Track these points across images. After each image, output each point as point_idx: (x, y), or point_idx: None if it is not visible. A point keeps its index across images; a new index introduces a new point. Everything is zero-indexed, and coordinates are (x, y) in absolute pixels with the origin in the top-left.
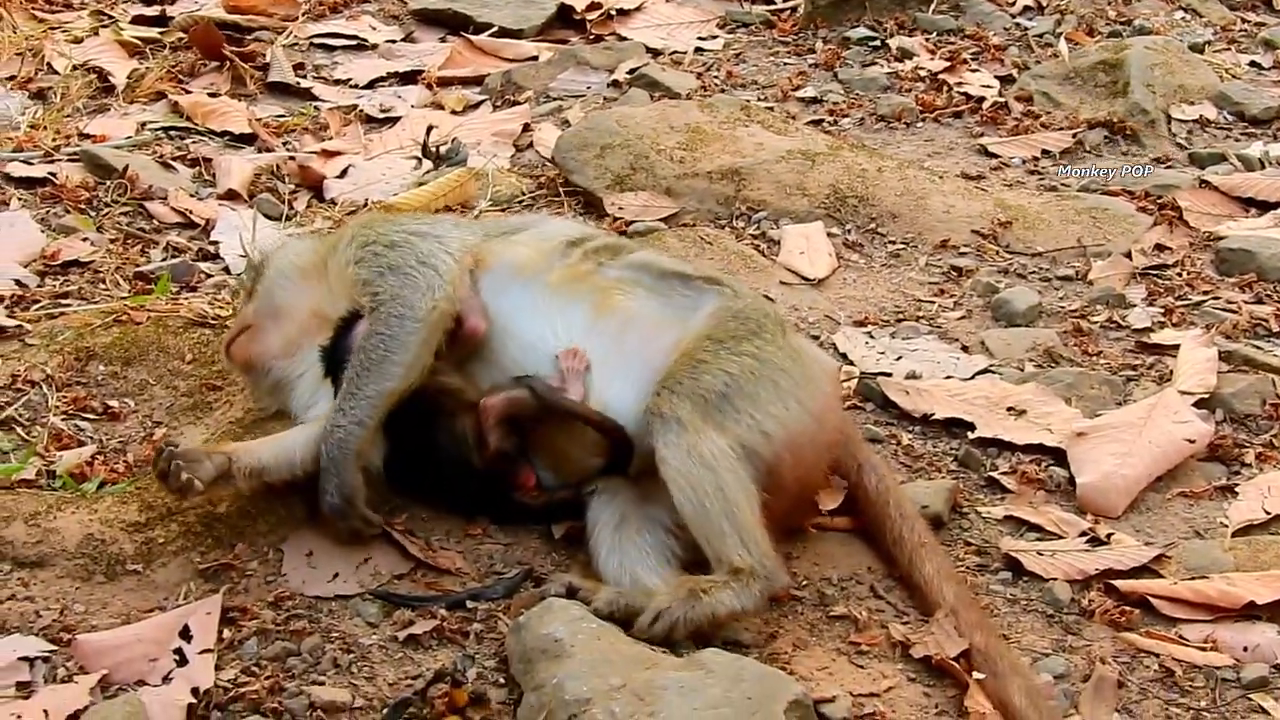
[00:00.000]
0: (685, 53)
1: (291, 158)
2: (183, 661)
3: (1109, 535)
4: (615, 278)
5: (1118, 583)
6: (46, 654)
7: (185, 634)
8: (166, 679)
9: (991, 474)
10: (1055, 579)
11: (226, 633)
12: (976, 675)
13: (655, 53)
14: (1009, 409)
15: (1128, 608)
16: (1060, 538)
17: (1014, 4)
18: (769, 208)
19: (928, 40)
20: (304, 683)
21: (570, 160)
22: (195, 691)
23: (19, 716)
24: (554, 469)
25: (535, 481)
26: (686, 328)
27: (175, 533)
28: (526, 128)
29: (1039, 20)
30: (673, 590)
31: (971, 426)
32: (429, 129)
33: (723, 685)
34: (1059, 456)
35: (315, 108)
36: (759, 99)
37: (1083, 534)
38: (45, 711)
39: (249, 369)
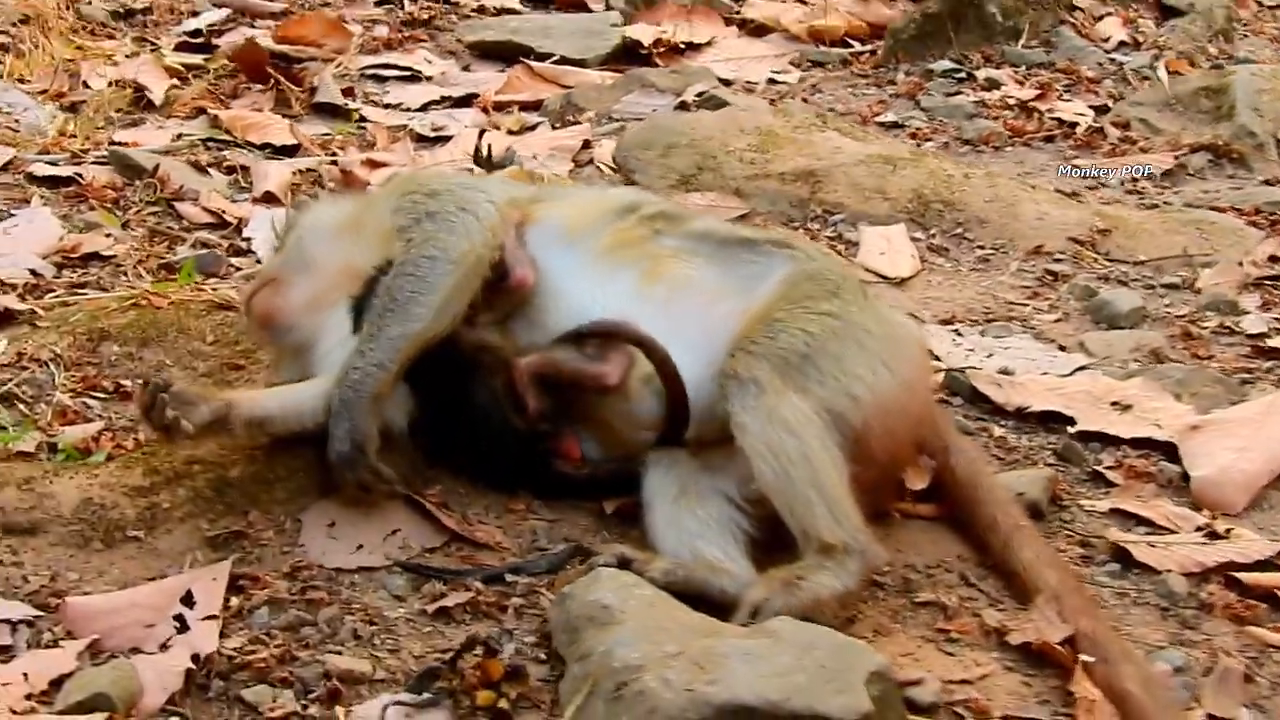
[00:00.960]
0: (758, 83)
1: (334, 163)
2: (183, 628)
3: (1228, 530)
4: (672, 247)
5: (1240, 575)
6: (31, 618)
7: (188, 600)
8: (164, 646)
9: (1095, 468)
10: (1169, 571)
11: (234, 601)
12: (1084, 658)
13: (726, 82)
14: (1113, 404)
15: (1253, 601)
16: (1173, 532)
17: (1108, 39)
18: (846, 210)
19: (1016, 72)
20: (319, 653)
21: (632, 160)
22: (195, 658)
23: None
24: (600, 442)
25: (580, 451)
26: (754, 295)
27: (182, 498)
28: (586, 144)
29: (1135, 55)
30: (764, 582)
31: (1071, 421)
32: (481, 132)
33: (793, 653)
34: (1169, 452)
35: (362, 125)
36: None
37: (1198, 528)
38: (25, 675)
39: (269, 325)
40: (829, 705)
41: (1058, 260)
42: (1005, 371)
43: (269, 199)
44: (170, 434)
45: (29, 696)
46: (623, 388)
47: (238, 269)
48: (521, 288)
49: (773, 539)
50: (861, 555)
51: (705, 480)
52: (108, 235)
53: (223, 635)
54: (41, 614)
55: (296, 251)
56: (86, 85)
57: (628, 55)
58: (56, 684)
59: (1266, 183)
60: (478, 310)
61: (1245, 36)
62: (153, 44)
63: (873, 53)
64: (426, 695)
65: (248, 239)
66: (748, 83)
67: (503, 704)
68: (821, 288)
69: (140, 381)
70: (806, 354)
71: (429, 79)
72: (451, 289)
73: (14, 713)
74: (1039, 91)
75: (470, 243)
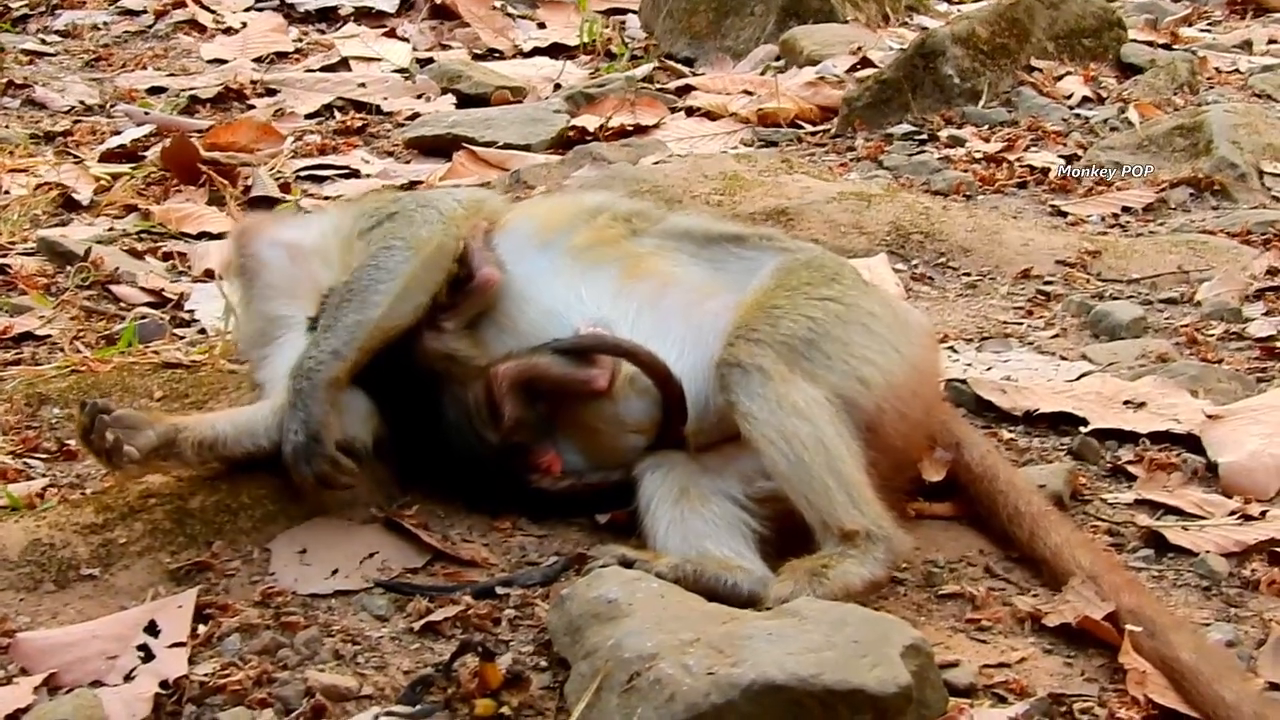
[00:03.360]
0: (712, 155)
1: None
2: (149, 657)
3: (1263, 513)
4: (652, 246)
5: None
6: None
7: (152, 629)
8: (129, 677)
9: (1114, 464)
10: (1208, 551)
11: (202, 630)
12: (1131, 628)
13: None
14: (1126, 402)
15: None
16: (1204, 517)
17: (1070, 96)
18: (823, 246)
19: (979, 130)
20: (299, 673)
21: None
22: (164, 684)
23: None
24: (584, 451)
25: (560, 464)
26: (747, 288)
27: (139, 532)
28: None
29: (1099, 110)
30: (787, 574)
31: (1083, 421)
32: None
33: (823, 630)
34: (1191, 445)
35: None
36: None
37: (1231, 513)
38: None
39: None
40: (865, 679)
41: (1048, 283)
42: (1008, 379)
43: (210, 275)
44: (112, 458)
45: None
46: (608, 391)
47: (181, 338)
48: (487, 287)
49: (781, 541)
50: (887, 542)
51: (706, 481)
52: (40, 317)
53: (192, 662)
54: None
55: (250, 281)
56: (7, 192)
57: (573, 143)
58: (12, 718)
59: (1254, 210)
60: (444, 317)
61: (1211, 88)
62: (75, 158)
63: (825, 132)
64: (420, 706)
65: (190, 311)
66: (703, 157)
67: (505, 711)
68: (820, 274)
69: (78, 403)
70: (811, 339)
71: (369, 176)
72: (410, 276)
73: None
74: (1006, 144)
75: (430, 230)
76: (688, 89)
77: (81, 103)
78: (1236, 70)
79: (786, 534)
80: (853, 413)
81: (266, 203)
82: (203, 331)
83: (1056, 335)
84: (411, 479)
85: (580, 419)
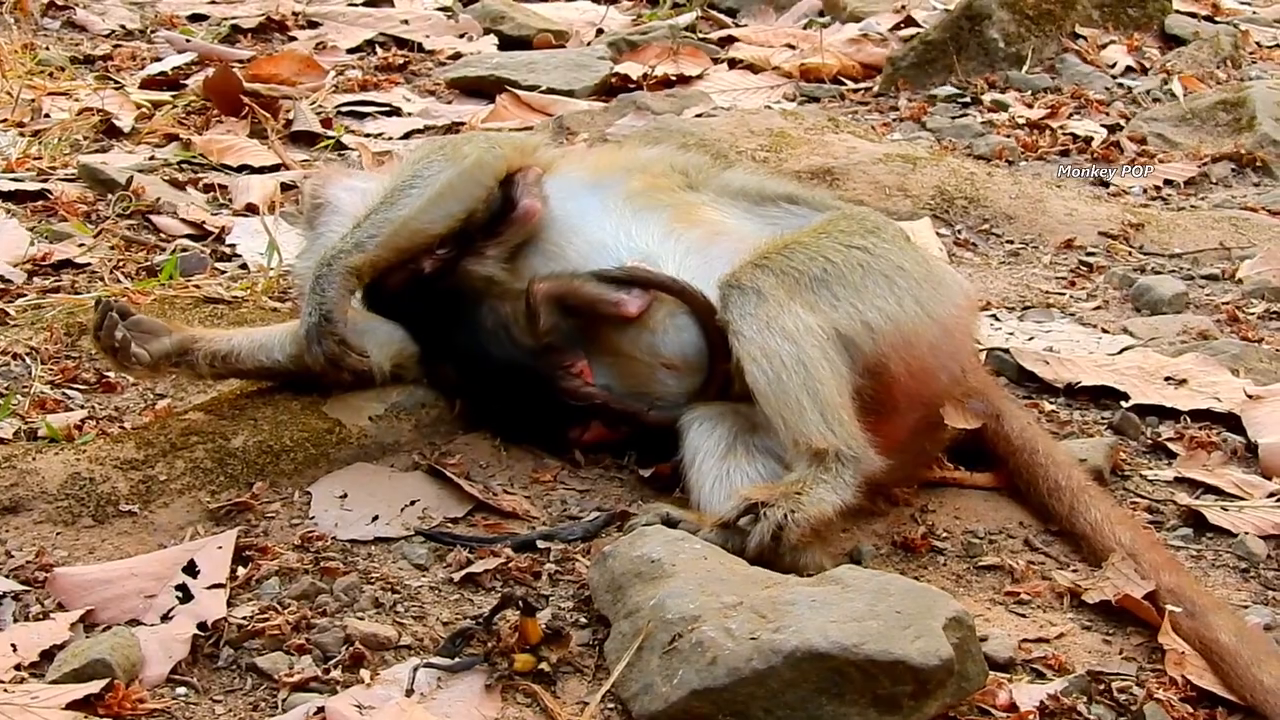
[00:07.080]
0: (758, 110)
1: None
2: (187, 598)
3: None
4: (708, 199)
5: None
6: (15, 592)
7: (191, 569)
8: (166, 617)
9: (1155, 440)
10: (1246, 533)
11: (241, 572)
12: (1171, 608)
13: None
14: (1167, 379)
15: None
16: (1243, 498)
17: (1114, 65)
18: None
19: (1022, 96)
20: (338, 620)
21: None
22: (202, 625)
23: None
24: (618, 379)
25: (590, 373)
26: None
27: (180, 470)
28: None
29: (1143, 80)
30: (760, 491)
31: (1124, 396)
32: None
33: (866, 599)
34: (1232, 424)
35: (342, 151)
36: None
37: (1270, 494)
38: (13, 645)
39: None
40: (907, 650)
41: (1090, 254)
42: (1050, 350)
43: (251, 210)
44: (118, 357)
45: (18, 667)
46: (644, 320)
47: (222, 272)
48: (529, 217)
49: None
50: (856, 463)
51: (753, 439)
52: (80, 245)
53: (230, 605)
54: (28, 588)
55: (322, 217)
56: (47, 116)
57: (615, 90)
58: (48, 655)
59: None
60: (487, 245)
61: (1254, 63)
62: (116, 83)
63: (868, 89)
64: (459, 659)
65: (232, 245)
66: (749, 112)
67: (543, 667)
68: (860, 225)
69: (93, 300)
70: (822, 279)
71: (410, 114)
72: (444, 184)
73: (1, 683)
74: (1049, 111)
75: (472, 148)
76: (730, 40)
77: (122, 26)
78: (1278, 45)
79: None
80: (850, 351)
81: (308, 138)
82: (244, 267)
83: (1098, 307)
84: (453, 424)
85: (616, 345)
